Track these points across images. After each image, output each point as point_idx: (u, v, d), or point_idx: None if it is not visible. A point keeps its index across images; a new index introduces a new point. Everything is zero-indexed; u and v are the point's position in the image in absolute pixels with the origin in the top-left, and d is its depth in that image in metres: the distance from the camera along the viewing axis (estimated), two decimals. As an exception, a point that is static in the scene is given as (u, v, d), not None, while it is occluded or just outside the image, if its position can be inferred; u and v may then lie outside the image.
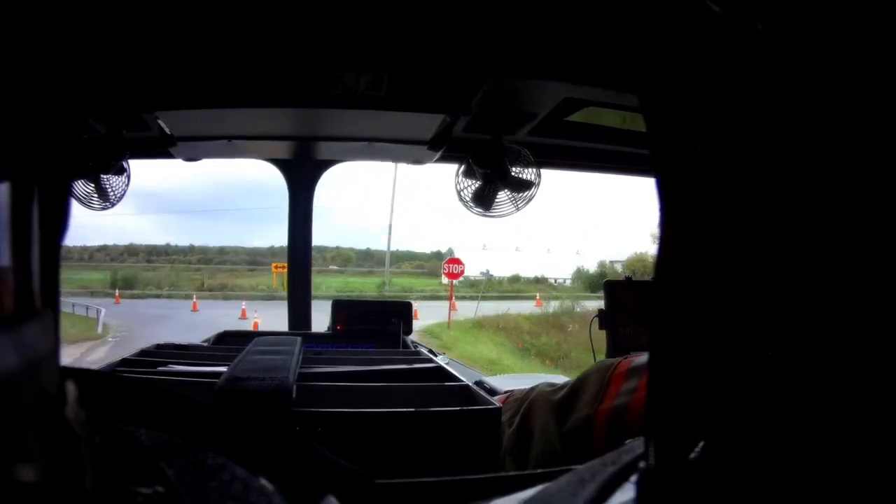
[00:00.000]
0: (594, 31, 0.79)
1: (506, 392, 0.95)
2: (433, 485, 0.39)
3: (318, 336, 1.53)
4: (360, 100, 1.07)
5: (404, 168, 12.74)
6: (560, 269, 22.25)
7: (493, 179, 1.38)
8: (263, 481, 0.25)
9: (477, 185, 1.41)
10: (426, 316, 11.96)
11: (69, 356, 7.19)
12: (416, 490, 0.39)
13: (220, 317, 10.40)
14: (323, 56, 0.99)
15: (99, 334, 11.24)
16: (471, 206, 1.43)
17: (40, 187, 0.22)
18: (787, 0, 0.22)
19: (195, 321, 11.19)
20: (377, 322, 1.50)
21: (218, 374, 0.73)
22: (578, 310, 13.49)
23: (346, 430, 0.70)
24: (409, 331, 1.52)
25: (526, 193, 1.40)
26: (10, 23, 0.20)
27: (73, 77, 0.23)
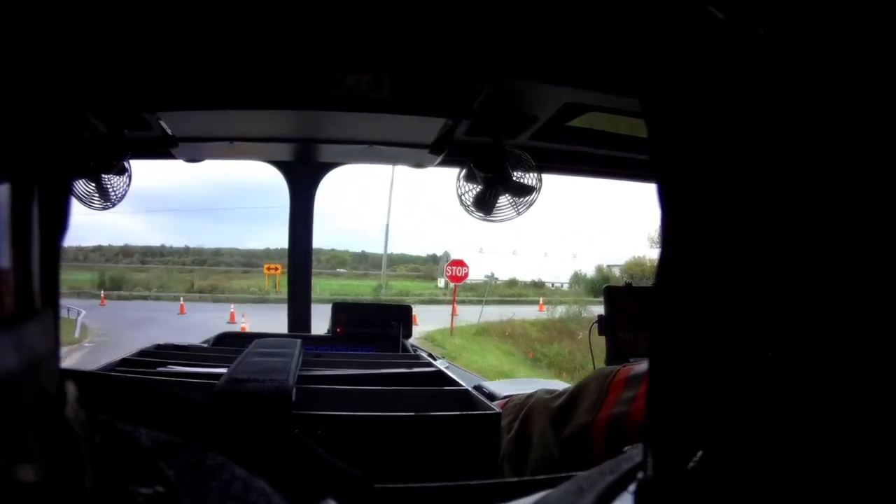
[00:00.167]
0: (598, 35, 0.79)
1: (505, 397, 0.95)
2: (433, 490, 0.39)
3: (318, 338, 1.53)
4: (361, 101, 1.07)
5: (400, 170, 12.63)
6: (557, 273, 22.19)
7: (494, 184, 1.38)
8: (263, 482, 0.25)
9: (478, 190, 1.41)
10: (425, 321, 11.16)
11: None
12: (415, 495, 0.39)
13: (208, 320, 9.55)
14: (324, 56, 0.99)
15: (75, 338, 10.04)
16: (472, 211, 1.44)
17: (40, 187, 0.22)
18: (789, 5, 0.22)
19: (181, 325, 10.72)
20: (377, 325, 1.50)
21: (217, 376, 0.73)
22: (585, 315, 12.92)
23: (345, 433, 0.69)
24: (408, 334, 1.51)
25: (527, 198, 1.41)
26: (11, 22, 0.20)
27: (74, 77, 0.23)
